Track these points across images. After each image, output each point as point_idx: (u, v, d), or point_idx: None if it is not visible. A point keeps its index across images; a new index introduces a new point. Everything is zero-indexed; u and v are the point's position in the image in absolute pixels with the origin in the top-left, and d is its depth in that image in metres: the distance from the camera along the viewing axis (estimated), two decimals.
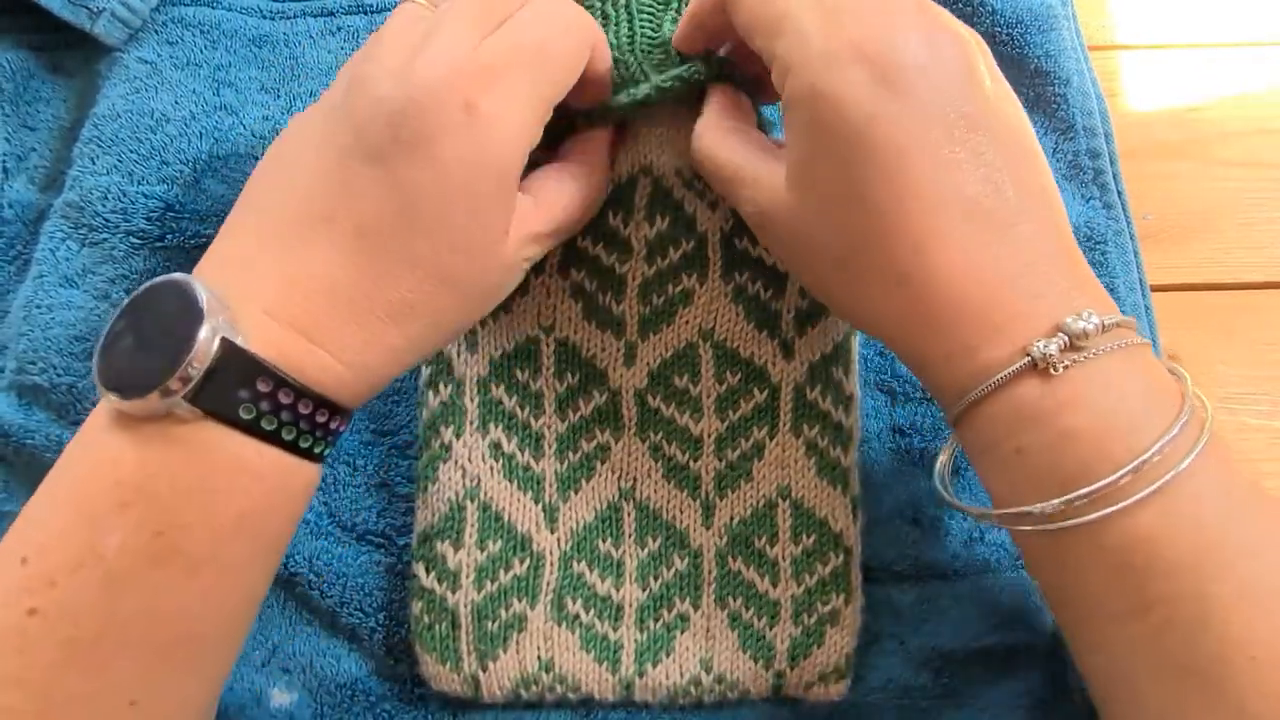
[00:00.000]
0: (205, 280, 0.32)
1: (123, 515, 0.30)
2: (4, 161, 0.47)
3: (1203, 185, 0.53)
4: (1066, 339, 0.31)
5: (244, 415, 0.31)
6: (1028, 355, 0.32)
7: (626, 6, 0.41)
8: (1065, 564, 0.33)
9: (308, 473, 0.34)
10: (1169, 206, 0.53)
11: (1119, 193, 0.50)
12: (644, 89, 0.39)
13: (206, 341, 0.30)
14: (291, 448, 0.33)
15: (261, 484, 0.32)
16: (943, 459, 0.40)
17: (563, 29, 0.36)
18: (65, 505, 0.31)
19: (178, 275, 0.32)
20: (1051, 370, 0.31)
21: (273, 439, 0.32)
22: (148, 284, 0.32)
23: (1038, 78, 0.50)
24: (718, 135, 0.38)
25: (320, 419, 0.33)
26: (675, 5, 0.41)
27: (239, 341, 0.31)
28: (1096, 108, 0.50)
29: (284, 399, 0.32)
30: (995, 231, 0.32)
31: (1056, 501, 0.31)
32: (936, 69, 0.32)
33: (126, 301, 0.33)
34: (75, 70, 0.48)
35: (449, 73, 0.33)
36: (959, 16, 0.50)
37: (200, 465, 0.31)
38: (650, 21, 0.41)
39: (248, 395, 0.31)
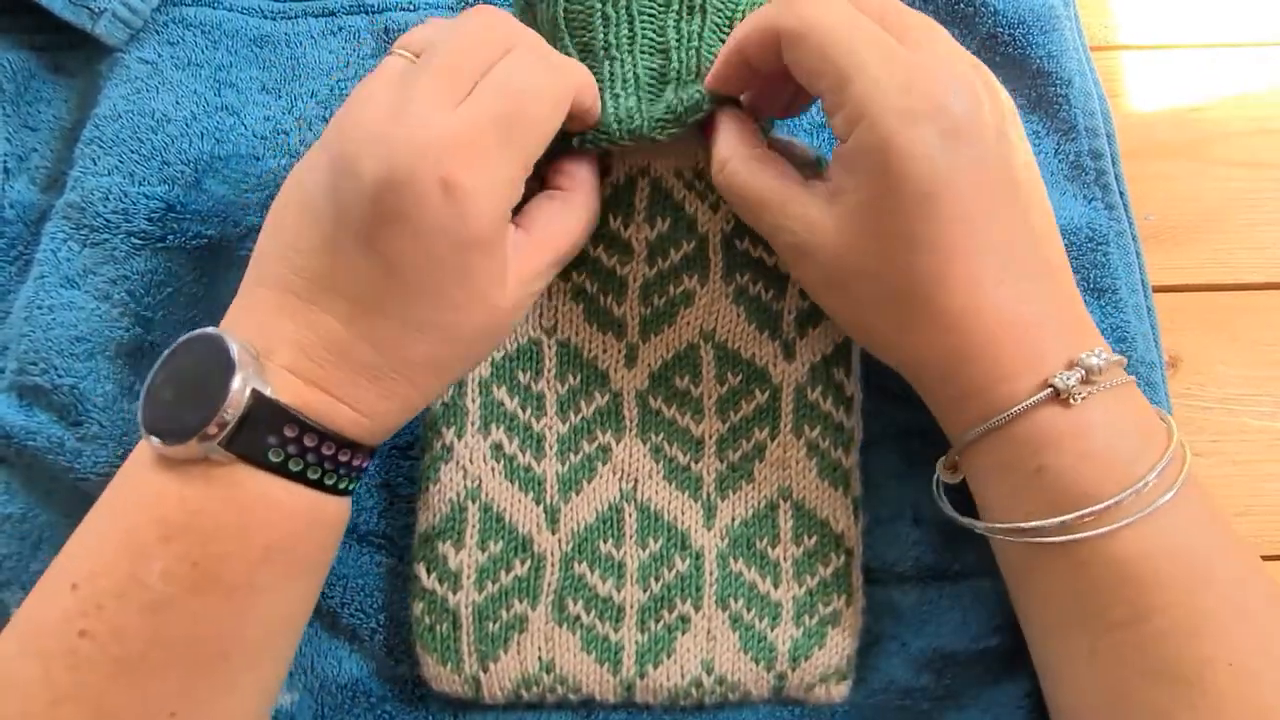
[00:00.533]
0: (233, 334, 0.34)
1: (165, 547, 0.33)
2: (5, 162, 0.47)
3: (1204, 186, 0.53)
4: (1083, 373, 0.35)
5: (273, 458, 0.34)
6: (1050, 386, 0.35)
7: (627, 8, 0.41)
8: (1066, 576, 0.36)
9: (336, 506, 0.36)
10: (1171, 207, 0.53)
11: (1121, 193, 0.50)
12: (643, 125, 0.40)
13: (239, 392, 0.33)
14: (318, 485, 0.35)
15: (290, 519, 0.35)
16: (941, 476, 0.41)
17: (540, 87, 0.36)
18: (112, 537, 0.34)
19: (210, 329, 0.35)
20: (1071, 400, 0.35)
21: (299, 478, 0.35)
22: (184, 337, 0.35)
23: (1039, 78, 0.50)
24: (746, 165, 0.39)
25: (343, 458, 0.35)
26: (676, 7, 0.41)
27: (268, 392, 0.34)
28: (1098, 108, 0.50)
29: (309, 443, 0.34)
30: (1026, 279, 0.36)
31: (1072, 516, 0.35)
32: (991, 128, 0.36)
33: (166, 353, 0.35)
34: (76, 71, 0.48)
35: (424, 148, 0.33)
36: (960, 17, 0.51)
37: (234, 503, 0.34)
38: (652, 24, 0.41)
39: (276, 440, 0.34)
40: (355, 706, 0.43)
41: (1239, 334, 0.51)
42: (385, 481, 0.44)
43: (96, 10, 0.46)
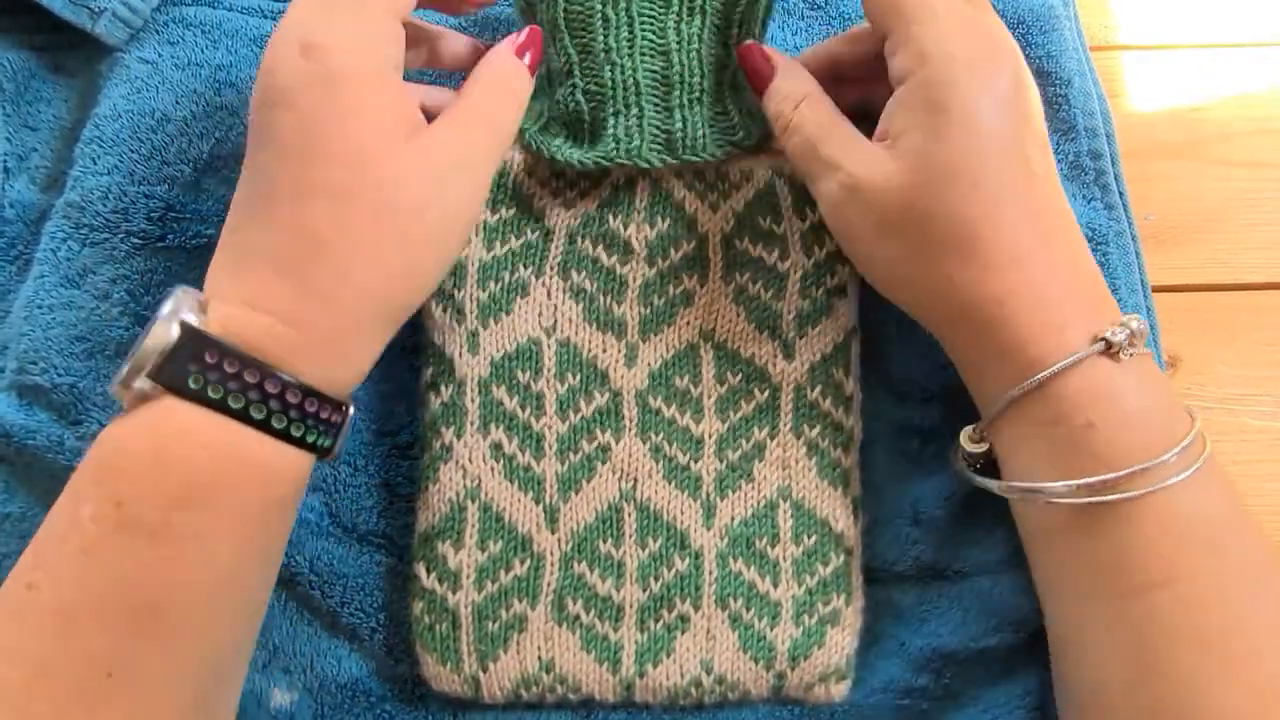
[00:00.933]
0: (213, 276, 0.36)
1: (96, 488, 0.33)
2: (5, 161, 0.47)
3: (1204, 186, 0.53)
4: (1129, 332, 0.36)
5: (193, 385, 0.33)
6: (1103, 340, 0.36)
7: (627, 9, 0.41)
8: (1098, 538, 0.36)
9: (274, 453, 0.35)
10: (1170, 207, 0.53)
11: (1120, 193, 0.50)
12: (640, 148, 0.42)
13: (165, 322, 0.33)
14: (244, 418, 0.34)
15: (210, 455, 0.34)
16: (966, 446, 0.40)
17: None
18: (66, 488, 0.34)
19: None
20: (1121, 355, 0.36)
21: (221, 408, 0.34)
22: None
23: (1039, 78, 0.50)
24: (818, 101, 0.40)
25: (272, 389, 0.34)
26: (676, 8, 0.41)
27: (194, 321, 0.34)
28: (1098, 108, 0.50)
29: (229, 368, 0.34)
30: (1065, 240, 0.38)
31: (1122, 473, 0.35)
32: (1034, 94, 0.39)
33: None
34: (76, 70, 0.48)
35: (284, 29, 0.36)
36: None
37: (153, 436, 0.33)
38: (652, 25, 0.41)
39: (196, 368, 0.33)
40: (355, 706, 0.43)
41: (1239, 334, 0.51)
42: (385, 481, 0.44)
43: (96, 10, 0.46)
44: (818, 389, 0.43)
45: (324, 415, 0.36)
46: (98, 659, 0.32)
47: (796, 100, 0.41)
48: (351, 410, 0.38)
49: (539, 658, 0.42)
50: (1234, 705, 0.34)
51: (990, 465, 0.40)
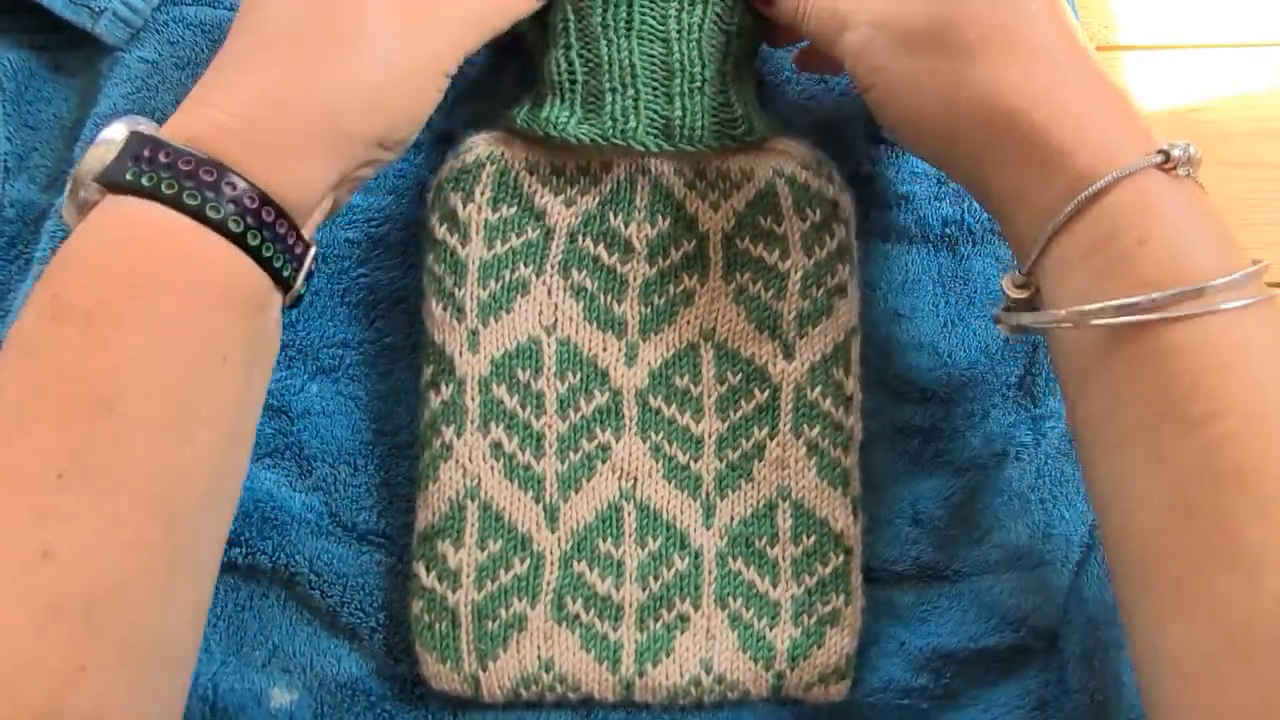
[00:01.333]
0: None
1: (43, 289, 0.33)
2: (5, 161, 0.47)
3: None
4: (1186, 152, 0.34)
5: (145, 183, 0.33)
6: (1162, 151, 0.34)
7: None
8: (1147, 365, 0.34)
9: (224, 253, 0.34)
10: None
11: None
12: (636, 130, 0.41)
13: (116, 131, 0.34)
14: (177, 205, 0.34)
15: (150, 241, 0.33)
16: (1010, 291, 0.38)
17: None
18: None
19: None
20: (1178, 171, 0.34)
21: (156, 195, 0.33)
22: None
23: None
24: None
25: (207, 176, 0.34)
26: None
27: (141, 128, 0.34)
28: None
29: (164, 158, 0.34)
30: (1098, 61, 0.37)
31: (1176, 291, 0.33)
32: None
33: None
34: (77, 70, 0.48)
35: None
36: None
37: (94, 230, 0.34)
38: (652, 11, 0.41)
39: (146, 167, 0.34)
40: (355, 706, 0.43)
41: None
42: (385, 481, 0.44)
43: (97, 9, 0.46)
44: (818, 389, 0.43)
45: (281, 231, 0.35)
46: (47, 457, 0.31)
47: None
48: (313, 250, 0.37)
49: (538, 657, 0.42)
50: (1271, 542, 0.31)
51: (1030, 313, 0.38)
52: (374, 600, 0.43)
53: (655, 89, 0.41)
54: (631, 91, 0.41)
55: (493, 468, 0.42)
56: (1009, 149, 0.36)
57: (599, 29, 0.41)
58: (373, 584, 0.43)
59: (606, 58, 0.41)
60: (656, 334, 0.43)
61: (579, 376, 0.43)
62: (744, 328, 0.43)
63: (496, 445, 0.42)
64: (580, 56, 0.41)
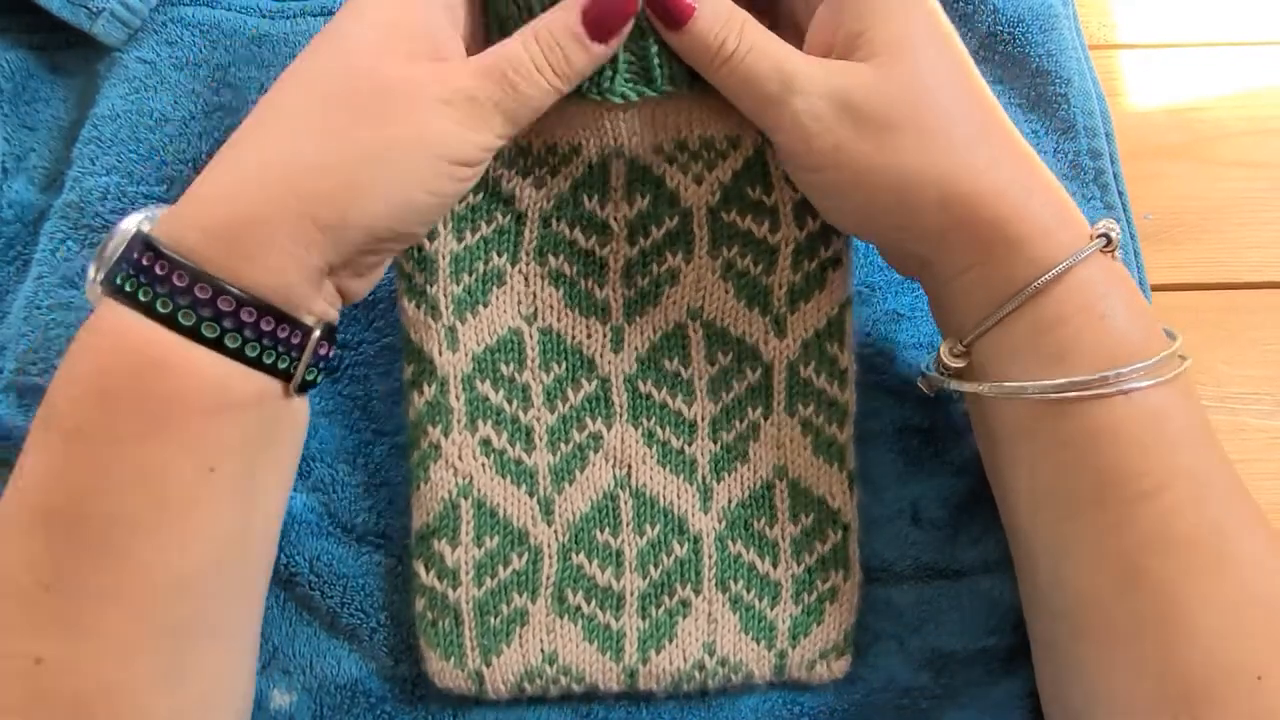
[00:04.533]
0: None
1: (47, 395, 0.34)
2: (3, 162, 0.47)
3: (1203, 185, 0.53)
4: (1113, 233, 0.37)
5: (118, 282, 0.34)
6: (1103, 235, 0.37)
7: None
8: (1100, 439, 0.36)
9: (219, 366, 0.34)
10: (1169, 207, 0.53)
11: (1119, 193, 0.50)
12: (614, 79, 0.38)
13: (123, 230, 0.35)
14: (153, 314, 0.33)
15: (119, 354, 0.33)
16: (947, 360, 0.40)
17: None
18: None
19: None
20: (1114, 255, 0.37)
21: (134, 302, 0.33)
22: None
23: (1039, 77, 0.50)
24: (760, 41, 0.37)
25: (203, 294, 0.33)
26: None
27: (145, 228, 0.34)
28: (1097, 107, 0.50)
29: (146, 261, 0.33)
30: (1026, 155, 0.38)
31: (1143, 364, 0.35)
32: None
33: None
34: (75, 70, 0.48)
35: None
36: (960, 15, 0.51)
37: (87, 338, 0.34)
38: None
39: (127, 267, 0.33)
40: (355, 706, 0.43)
41: (1239, 334, 0.51)
42: (385, 481, 0.44)
43: (94, 10, 0.46)
44: (811, 365, 0.42)
45: (267, 328, 0.34)
46: (35, 569, 0.32)
47: (739, 24, 0.37)
48: (316, 334, 0.36)
49: (542, 650, 0.42)
50: (1219, 604, 0.34)
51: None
52: (374, 601, 0.43)
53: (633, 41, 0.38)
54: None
55: (484, 465, 0.42)
56: (963, 234, 0.37)
57: None
58: (373, 584, 0.43)
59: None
60: (642, 316, 0.42)
61: (564, 366, 0.42)
62: (732, 305, 0.42)
63: (486, 442, 0.42)
64: None
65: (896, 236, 0.39)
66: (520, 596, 0.42)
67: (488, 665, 0.41)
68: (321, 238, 0.34)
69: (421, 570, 0.42)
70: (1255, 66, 0.56)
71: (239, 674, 0.38)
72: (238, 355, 0.34)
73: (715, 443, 0.43)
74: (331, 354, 0.37)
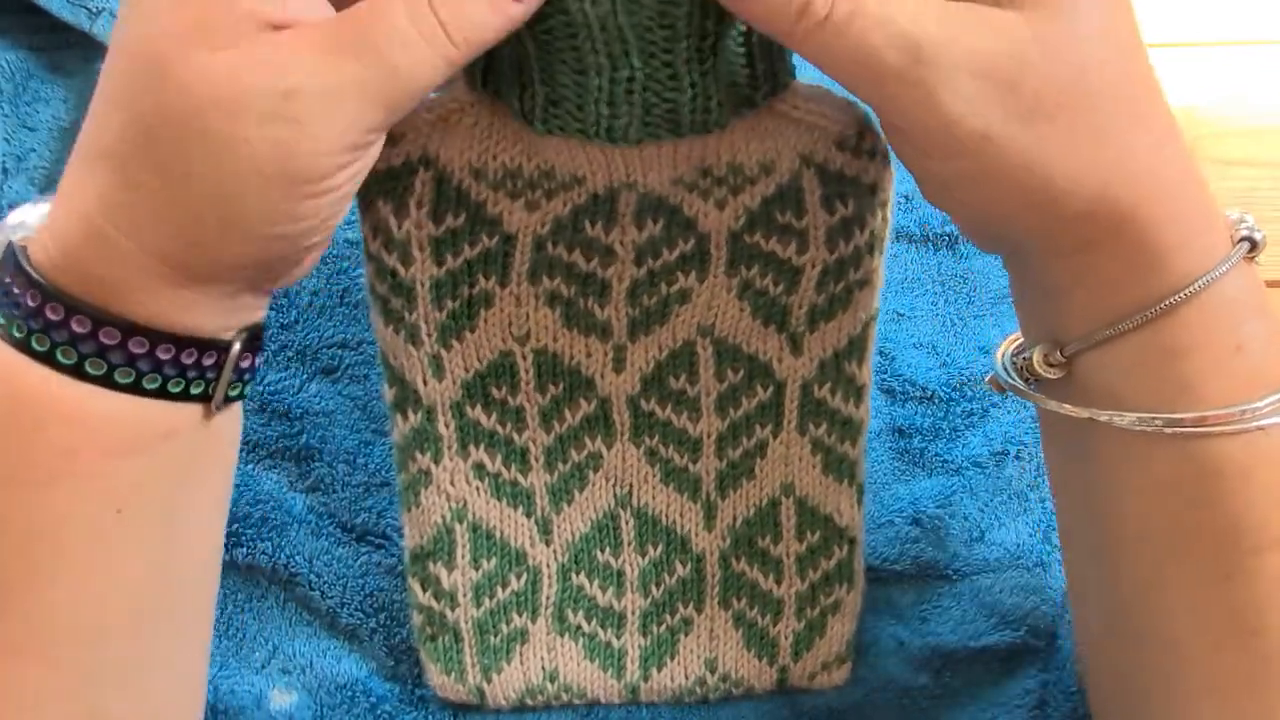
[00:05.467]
0: None
1: None
2: (3, 162, 0.47)
3: None
4: (1259, 234, 0.32)
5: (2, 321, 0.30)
6: (1246, 239, 0.31)
7: None
8: (1228, 477, 0.31)
9: (112, 407, 0.31)
10: None
11: None
12: (631, 126, 0.31)
13: (17, 218, 0.31)
14: (9, 341, 0.30)
15: (11, 394, 0.30)
16: (1043, 371, 0.34)
17: None
18: None
19: None
20: (1256, 261, 0.32)
21: (56, 366, 0.30)
22: None
23: None
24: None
25: (55, 316, 0.29)
26: None
27: (18, 238, 0.31)
28: None
29: (51, 315, 0.29)
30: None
31: (1271, 400, 0.30)
32: None
33: None
34: (75, 70, 0.48)
35: None
36: None
37: None
38: None
39: (4, 301, 0.30)
40: (355, 706, 0.42)
41: None
42: (384, 480, 0.44)
43: (94, 9, 0.46)
44: (827, 385, 0.39)
45: (165, 356, 0.30)
46: None
47: (850, 15, 0.28)
48: (235, 349, 0.32)
49: (543, 668, 0.41)
50: None
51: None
52: (374, 600, 0.43)
53: (656, 61, 0.31)
54: (626, 70, 0.31)
55: (478, 489, 0.40)
56: (1103, 246, 0.31)
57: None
58: (373, 584, 0.43)
59: (584, 18, 0.29)
60: (648, 335, 0.39)
61: (561, 387, 0.39)
62: (746, 323, 0.38)
63: (479, 466, 0.40)
64: (543, 24, 0.30)
65: (1017, 237, 0.32)
66: (520, 616, 0.41)
67: (488, 681, 0.41)
68: (188, 282, 0.30)
69: (418, 589, 0.41)
70: (1255, 65, 0.56)
71: (182, 702, 0.36)
72: (134, 390, 0.30)
73: (722, 459, 0.41)
74: (258, 364, 0.34)
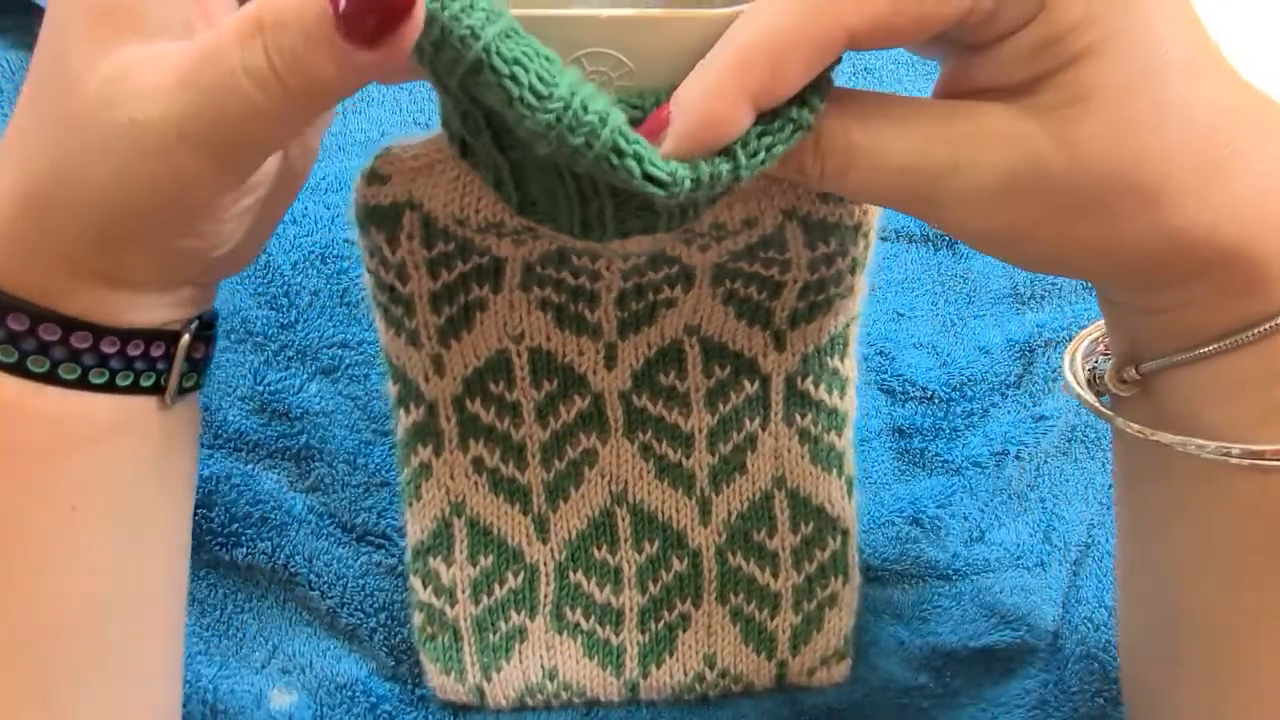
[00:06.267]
0: None
1: None
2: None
3: None
4: None
5: None
6: None
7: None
8: None
9: (59, 404, 0.30)
10: None
11: None
12: (609, 230, 0.31)
13: None
14: (23, 373, 0.30)
15: None
16: (1115, 388, 0.33)
17: None
18: None
19: None
20: None
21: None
22: None
23: None
24: (890, 133, 0.27)
25: (49, 337, 0.29)
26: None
27: None
28: None
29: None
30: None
31: None
32: None
33: None
34: None
35: None
36: None
37: None
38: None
39: None
40: (355, 706, 0.43)
41: None
42: (384, 480, 0.44)
43: None
44: (809, 377, 0.41)
45: (109, 350, 0.30)
46: None
47: (843, 126, 0.27)
48: (185, 339, 0.32)
49: (542, 666, 0.41)
50: None
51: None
52: (374, 600, 0.43)
53: (624, 198, 0.30)
54: (596, 204, 0.30)
55: (476, 483, 0.41)
56: (1199, 278, 0.29)
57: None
58: (373, 584, 0.43)
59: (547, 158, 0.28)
60: (637, 334, 0.40)
61: (555, 383, 0.40)
62: (731, 324, 0.40)
63: (478, 461, 0.41)
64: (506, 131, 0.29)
65: (1090, 279, 0.32)
66: (518, 614, 0.41)
67: (488, 680, 0.41)
68: (117, 285, 0.30)
69: (419, 586, 0.41)
70: (1254, 66, 0.56)
71: (151, 702, 0.36)
72: (81, 385, 0.30)
73: (713, 454, 0.41)
74: (211, 352, 0.34)
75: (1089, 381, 0.34)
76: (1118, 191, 0.27)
